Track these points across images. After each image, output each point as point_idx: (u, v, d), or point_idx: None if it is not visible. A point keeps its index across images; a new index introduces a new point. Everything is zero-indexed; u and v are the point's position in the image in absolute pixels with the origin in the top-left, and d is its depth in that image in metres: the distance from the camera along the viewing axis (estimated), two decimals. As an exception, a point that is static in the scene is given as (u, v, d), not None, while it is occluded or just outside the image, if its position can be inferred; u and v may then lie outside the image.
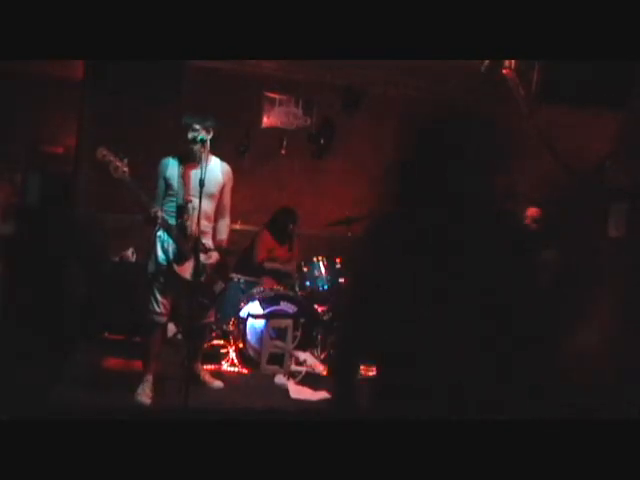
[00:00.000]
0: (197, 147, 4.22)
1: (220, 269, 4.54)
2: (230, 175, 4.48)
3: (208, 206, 4.28)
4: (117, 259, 6.08)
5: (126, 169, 4.05)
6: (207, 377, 4.79)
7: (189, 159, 4.31)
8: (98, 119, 6.31)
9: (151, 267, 4.34)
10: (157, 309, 4.31)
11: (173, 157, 4.35)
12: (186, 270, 4.23)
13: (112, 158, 4.03)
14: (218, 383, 4.78)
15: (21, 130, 7.03)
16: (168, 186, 4.29)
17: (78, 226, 6.28)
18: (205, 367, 4.97)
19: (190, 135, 4.22)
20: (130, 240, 6.13)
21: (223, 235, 4.54)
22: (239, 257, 6.40)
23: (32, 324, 5.05)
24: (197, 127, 4.21)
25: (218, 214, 4.48)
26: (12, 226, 5.30)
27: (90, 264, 5.99)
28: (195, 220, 4.08)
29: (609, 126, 5.13)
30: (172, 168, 4.30)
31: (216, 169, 4.39)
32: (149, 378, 4.33)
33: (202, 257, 4.22)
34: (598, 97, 4.61)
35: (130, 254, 6.09)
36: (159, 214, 4.15)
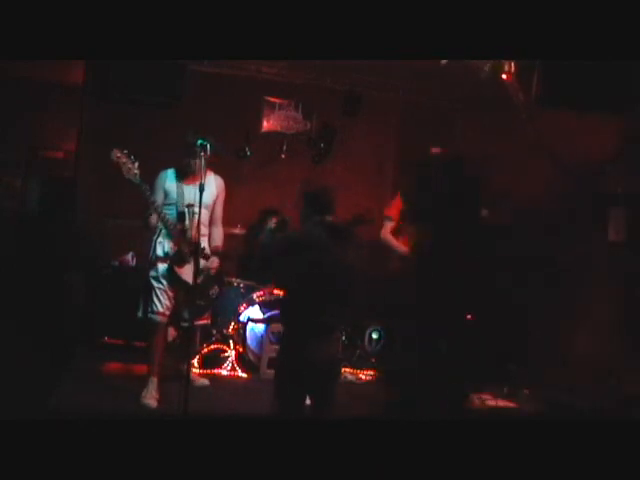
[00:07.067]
0: (198, 153, 4.28)
1: (216, 273, 4.70)
2: (223, 187, 4.71)
3: (205, 214, 4.49)
4: (117, 263, 6.08)
5: (137, 171, 4.23)
6: (193, 375, 4.80)
7: (188, 170, 4.47)
8: (98, 124, 6.30)
9: (152, 271, 4.46)
10: (160, 309, 4.41)
11: (172, 170, 4.54)
12: (186, 272, 4.36)
13: (126, 159, 4.22)
14: (204, 381, 4.87)
15: (21, 135, 7.03)
16: (167, 196, 4.47)
17: (78, 230, 6.28)
18: (205, 371, 4.99)
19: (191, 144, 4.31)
20: (130, 244, 6.12)
21: (218, 242, 4.75)
22: (238, 261, 6.37)
23: (32, 328, 5.03)
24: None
25: (212, 223, 4.72)
26: (12, 231, 5.30)
27: (90, 268, 5.99)
28: (195, 225, 4.17)
29: (609, 131, 5.13)
30: (171, 180, 4.49)
31: (210, 182, 4.54)
32: (154, 380, 4.37)
33: (205, 262, 4.45)
34: (598, 102, 4.62)
35: (130, 258, 6.09)
36: (164, 213, 4.34)
